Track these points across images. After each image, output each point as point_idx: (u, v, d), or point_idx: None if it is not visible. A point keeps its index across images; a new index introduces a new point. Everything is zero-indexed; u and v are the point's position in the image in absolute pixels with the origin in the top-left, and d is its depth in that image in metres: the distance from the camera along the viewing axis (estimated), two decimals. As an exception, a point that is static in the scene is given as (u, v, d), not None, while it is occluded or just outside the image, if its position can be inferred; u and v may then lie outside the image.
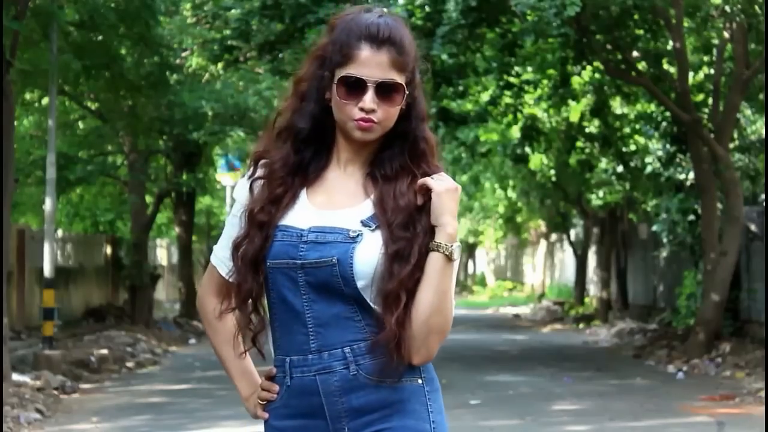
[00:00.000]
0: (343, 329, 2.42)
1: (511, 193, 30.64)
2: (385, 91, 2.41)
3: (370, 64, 2.40)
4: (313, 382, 2.43)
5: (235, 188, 2.57)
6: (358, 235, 2.41)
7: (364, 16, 2.45)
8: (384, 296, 2.38)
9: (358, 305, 2.41)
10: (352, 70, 2.40)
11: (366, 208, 2.46)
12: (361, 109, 2.40)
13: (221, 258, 2.55)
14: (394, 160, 2.48)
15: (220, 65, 17.75)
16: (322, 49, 2.47)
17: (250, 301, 2.48)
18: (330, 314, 2.41)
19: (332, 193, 2.48)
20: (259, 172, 2.51)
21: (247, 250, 2.45)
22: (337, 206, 2.46)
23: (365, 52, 2.40)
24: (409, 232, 2.41)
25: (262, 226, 2.45)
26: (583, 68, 18.32)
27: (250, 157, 2.57)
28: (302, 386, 2.44)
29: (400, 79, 2.42)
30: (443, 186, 2.43)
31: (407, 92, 2.44)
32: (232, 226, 2.52)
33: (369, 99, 2.40)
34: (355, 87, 2.40)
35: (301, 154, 2.49)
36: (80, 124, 21.79)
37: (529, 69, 19.21)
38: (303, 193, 2.48)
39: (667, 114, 17.61)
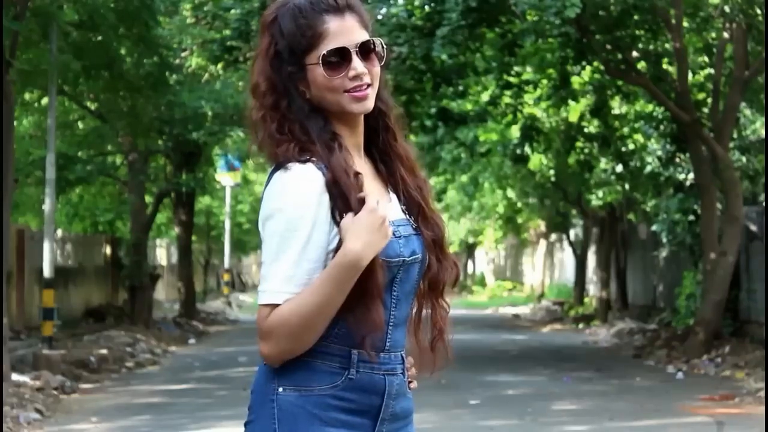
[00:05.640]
0: (403, 332, 2.39)
1: (511, 193, 30.65)
2: (366, 51, 2.34)
3: (343, 31, 2.32)
4: (382, 381, 2.35)
5: (316, 188, 2.26)
6: (417, 227, 2.39)
7: None
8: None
9: (413, 307, 2.41)
10: (329, 45, 2.31)
11: (395, 199, 2.41)
12: (354, 77, 2.31)
13: (297, 289, 2.27)
14: (387, 140, 2.43)
15: (220, 65, 17.75)
16: (269, 47, 2.35)
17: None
18: (405, 315, 2.38)
19: (367, 185, 2.35)
20: (341, 175, 2.28)
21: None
22: (381, 199, 2.35)
23: (333, 23, 2.32)
24: (442, 222, 2.42)
25: None
26: (583, 68, 18.33)
27: (287, 159, 2.30)
28: (370, 383, 2.34)
29: (371, 36, 2.37)
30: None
31: (383, 46, 2.38)
32: (317, 243, 2.26)
33: (358, 64, 2.31)
34: (338, 59, 2.31)
35: (344, 149, 2.33)
36: (80, 124, 21.79)
37: (529, 69, 19.21)
38: None
39: (667, 114, 17.62)
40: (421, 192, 2.42)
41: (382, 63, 2.38)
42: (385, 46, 2.39)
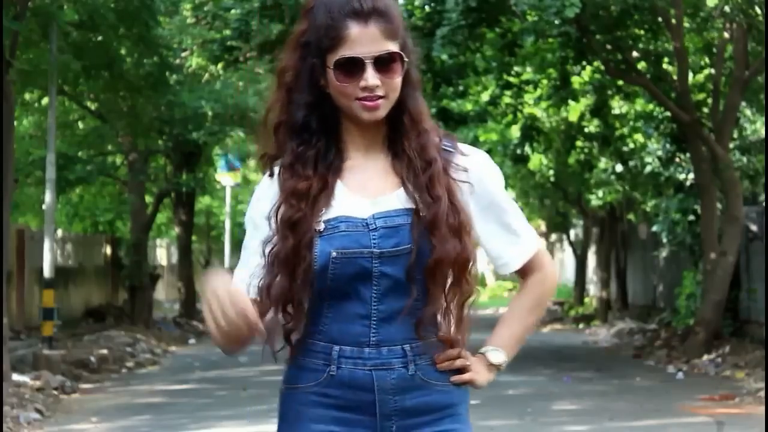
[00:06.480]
0: (404, 325, 2.33)
1: (511, 193, 30.67)
2: (384, 63, 2.31)
3: (362, 40, 2.29)
4: (368, 377, 2.33)
5: (257, 194, 2.42)
6: (423, 215, 2.33)
7: None
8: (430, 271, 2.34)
9: (423, 300, 2.34)
10: (345, 52, 2.29)
11: (400, 193, 2.37)
12: (364, 88, 2.30)
13: (248, 281, 2.38)
14: (399, 140, 2.39)
15: (220, 65, 17.75)
16: (302, 35, 2.35)
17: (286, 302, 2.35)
18: (396, 309, 2.32)
19: (368, 182, 2.38)
20: (284, 173, 2.38)
21: (279, 249, 2.32)
22: (380, 193, 2.37)
23: (354, 29, 2.29)
24: (439, 204, 2.34)
25: (294, 224, 2.32)
26: (583, 68, 18.33)
27: (262, 159, 2.43)
28: (353, 380, 2.33)
29: (395, 47, 2.33)
30: (484, 379, 2.49)
31: (406, 59, 2.34)
32: (262, 234, 2.37)
33: (370, 76, 2.29)
34: (352, 67, 2.30)
35: (314, 147, 2.37)
36: (80, 124, 21.80)
37: (529, 69, 19.22)
38: (339, 185, 2.37)
39: (667, 114, 17.62)
40: (419, 178, 2.35)
41: (404, 72, 2.34)
42: (410, 57, 2.36)
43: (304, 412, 2.36)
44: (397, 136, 2.39)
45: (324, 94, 2.36)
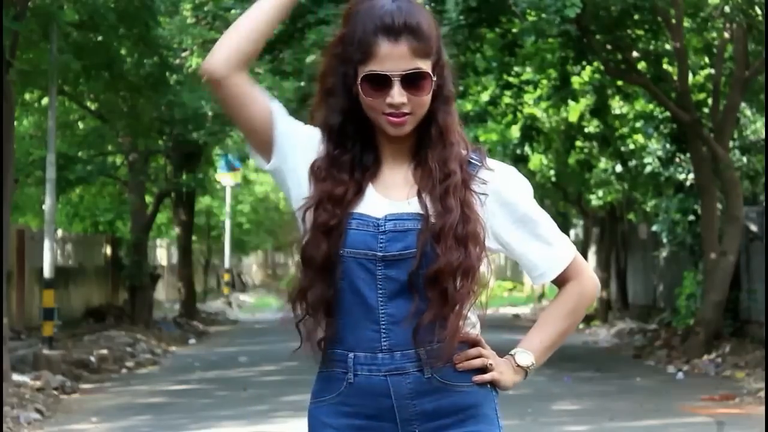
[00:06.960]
0: (410, 330, 2.32)
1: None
2: (412, 81, 2.31)
3: (391, 57, 2.30)
4: (384, 383, 2.33)
5: (301, 126, 2.44)
6: (433, 223, 2.34)
7: (378, 4, 2.34)
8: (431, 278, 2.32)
9: (426, 305, 2.32)
10: (373, 67, 2.31)
11: (414, 202, 2.39)
12: (390, 105, 2.31)
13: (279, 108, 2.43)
14: (432, 148, 2.40)
15: (220, 65, 17.70)
16: (339, 41, 2.38)
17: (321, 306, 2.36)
18: (406, 312, 2.31)
19: (390, 187, 2.39)
20: (319, 170, 2.39)
21: (314, 254, 2.33)
22: (397, 198, 2.38)
23: (384, 46, 2.30)
24: (450, 215, 2.33)
25: (330, 229, 2.34)
26: (583, 68, 18.33)
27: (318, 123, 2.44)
28: (370, 386, 2.34)
29: (425, 65, 2.33)
30: (510, 381, 2.46)
31: (434, 78, 2.35)
32: (293, 123, 2.43)
33: (396, 93, 2.31)
34: (379, 83, 2.31)
35: (350, 152, 2.40)
36: (80, 124, 21.79)
37: (529, 69, 19.22)
38: (370, 188, 2.39)
39: (667, 114, 17.63)
40: (435, 189, 2.36)
41: (434, 88, 2.34)
42: (444, 72, 2.37)
43: (327, 423, 2.38)
44: (423, 146, 2.40)
45: (357, 100, 2.37)
